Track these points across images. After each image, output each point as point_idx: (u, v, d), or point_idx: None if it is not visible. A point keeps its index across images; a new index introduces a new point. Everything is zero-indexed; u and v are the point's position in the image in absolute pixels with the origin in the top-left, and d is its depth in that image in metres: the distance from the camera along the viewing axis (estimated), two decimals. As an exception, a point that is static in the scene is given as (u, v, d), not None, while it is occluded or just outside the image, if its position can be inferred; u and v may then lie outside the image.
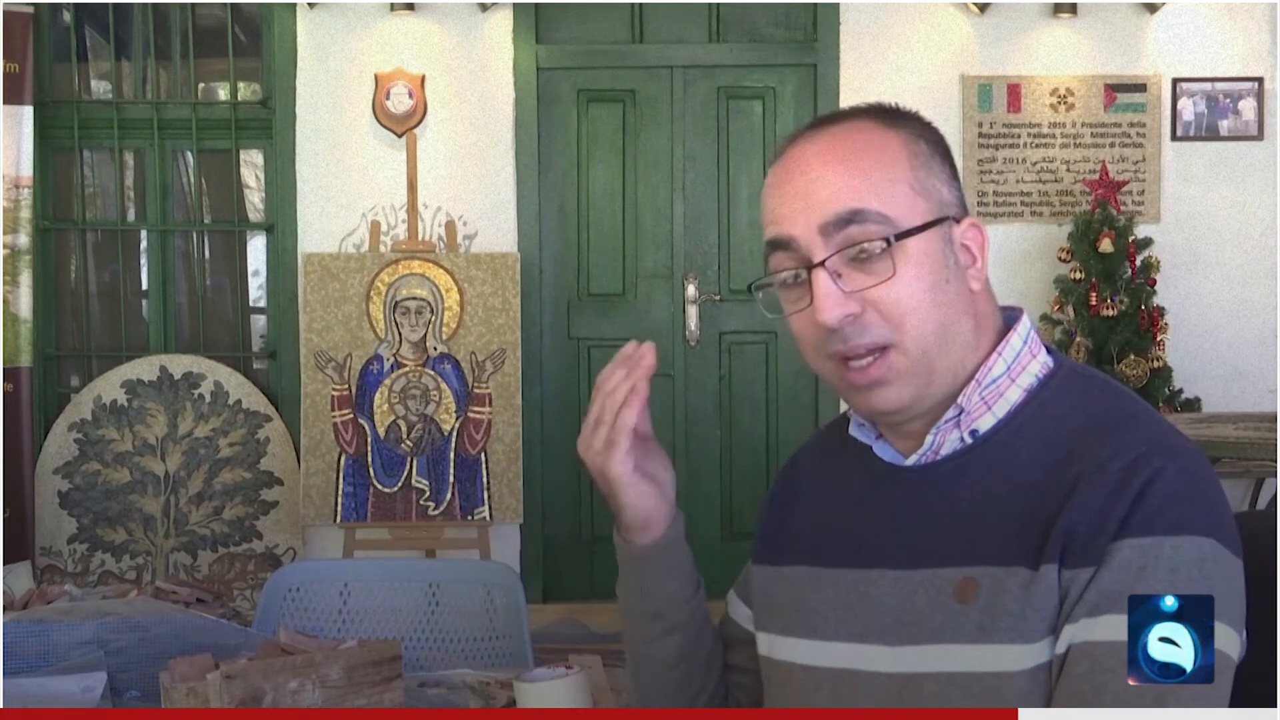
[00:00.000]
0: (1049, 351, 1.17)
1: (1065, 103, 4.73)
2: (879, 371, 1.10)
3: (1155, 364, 4.42)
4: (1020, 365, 1.14)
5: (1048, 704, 1.03)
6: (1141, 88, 4.74)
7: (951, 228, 1.12)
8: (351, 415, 4.24)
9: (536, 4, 4.71)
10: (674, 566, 1.26)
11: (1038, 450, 1.10)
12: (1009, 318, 1.18)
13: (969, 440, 1.13)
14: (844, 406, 1.24)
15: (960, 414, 1.12)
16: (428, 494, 4.21)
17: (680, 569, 1.27)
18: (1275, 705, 1.08)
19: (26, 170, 4.53)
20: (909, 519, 1.14)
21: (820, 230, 1.09)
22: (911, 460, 1.15)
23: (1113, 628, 1.00)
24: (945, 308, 1.10)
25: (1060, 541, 1.03)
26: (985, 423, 1.13)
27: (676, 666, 1.30)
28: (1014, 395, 1.13)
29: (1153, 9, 4.71)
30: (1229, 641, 1.01)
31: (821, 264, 1.09)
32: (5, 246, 4.50)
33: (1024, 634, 1.04)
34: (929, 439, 1.13)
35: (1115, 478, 1.03)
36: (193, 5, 4.79)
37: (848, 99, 4.66)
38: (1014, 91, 4.71)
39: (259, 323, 4.98)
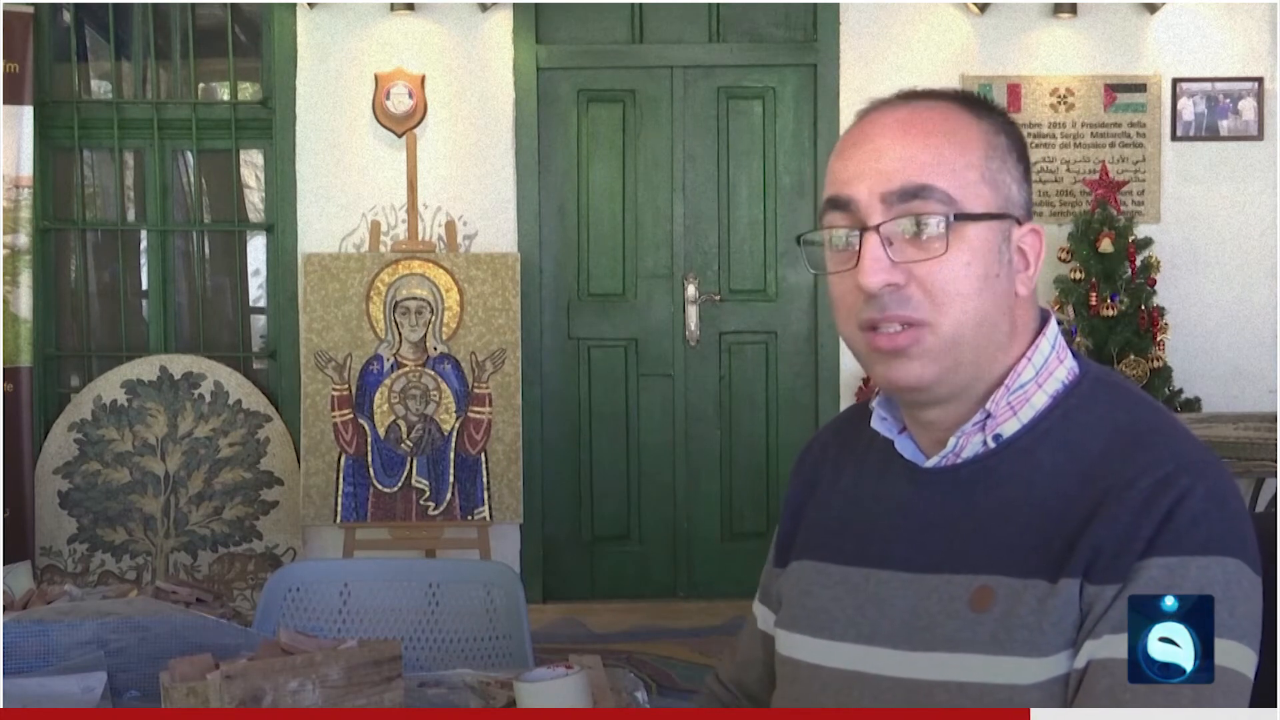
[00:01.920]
0: (1074, 356, 1.16)
1: (1065, 103, 4.72)
2: (906, 341, 1.09)
3: (1155, 364, 4.42)
4: (1048, 371, 1.13)
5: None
6: (1141, 88, 4.74)
7: (1012, 227, 1.12)
8: (351, 415, 4.24)
9: (536, 4, 4.71)
10: None
11: (1061, 459, 1.09)
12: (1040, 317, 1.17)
13: (991, 444, 1.12)
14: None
15: (987, 419, 1.12)
16: (428, 494, 4.21)
17: None
18: (1275, 705, 1.08)
19: (26, 170, 4.53)
20: (925, 521, 1.14)
21: (882, 198, 1.09)
22: (931, 462, 1.15)
23: None
24: (989, 302, 1.10)
25: (1085, 557, 1.03)
26: (1009, 428, 1.12)
27: None
28: (1040, 401, 1.12)
29: (1153, 9, 4.71)
30: (1244, 660, 1.01)
31: (876, 228, 1.08)
32: (5, 246, 4.50)
33: (1039, 647, 1.04)
34: (952, 441, 1.13)
35: (1143, 496, 1.03)
36: (193, 5, 4.79)
37: (848, 99, 4.66)
38: (1014, 91, 4.71)
39: (259, 323, 4.98)
